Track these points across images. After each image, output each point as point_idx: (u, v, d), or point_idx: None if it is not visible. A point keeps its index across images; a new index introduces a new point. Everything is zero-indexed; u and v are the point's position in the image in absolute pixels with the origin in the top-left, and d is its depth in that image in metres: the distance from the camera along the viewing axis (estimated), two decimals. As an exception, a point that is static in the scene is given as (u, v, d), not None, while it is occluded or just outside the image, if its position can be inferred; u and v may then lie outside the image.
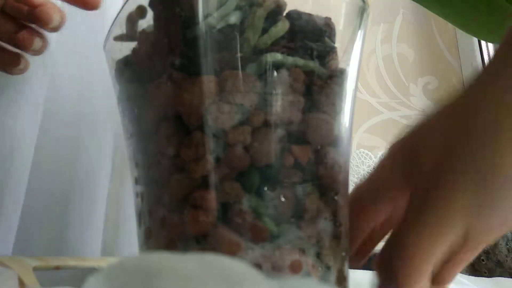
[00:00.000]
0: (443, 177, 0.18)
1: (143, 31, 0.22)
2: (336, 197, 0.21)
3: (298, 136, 0.20)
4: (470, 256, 0.21)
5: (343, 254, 0.21)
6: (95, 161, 0.41)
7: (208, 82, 0.19)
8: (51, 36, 0.38)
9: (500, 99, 0.18)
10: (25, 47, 0.32)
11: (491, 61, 0.20)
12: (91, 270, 0.13)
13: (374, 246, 0.25)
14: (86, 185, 0.40)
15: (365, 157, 0.73)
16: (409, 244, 0.18)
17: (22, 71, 0.33)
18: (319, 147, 0.21)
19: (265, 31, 0.20)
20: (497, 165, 0.17)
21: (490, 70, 0.20)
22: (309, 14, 0.21)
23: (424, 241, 0.18)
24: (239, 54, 0.20)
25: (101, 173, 0.42)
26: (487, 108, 0.18)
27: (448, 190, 0.18)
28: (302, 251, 0.19)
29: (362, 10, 0.24)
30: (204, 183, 0.19)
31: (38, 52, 0.33)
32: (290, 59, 0.20)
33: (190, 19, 0.20)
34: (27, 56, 0.33)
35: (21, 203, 0.35)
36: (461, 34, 1.04)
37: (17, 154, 0.35)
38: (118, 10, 0.24)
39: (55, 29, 0.31)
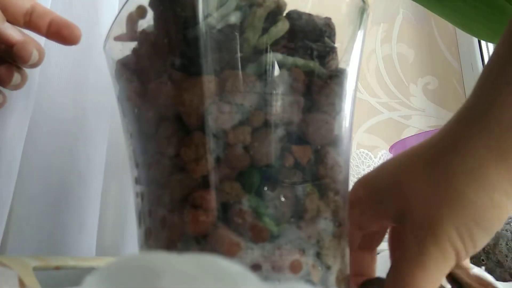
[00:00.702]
0: (435, 227, 0.20)
1: (143, 31, 0.22)
2: (336, 197, 0.21)
3: (298, 136, 0.20)
4: None
5: (343, 254, 0.21)
6: (87, 163, 0.41)
7: (208, 82, 0.19)
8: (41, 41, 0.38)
9: (487, 150, 0.20)
10: (3, 82, 0.31)
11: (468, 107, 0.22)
12: (91, 270, 0.13)
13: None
14: (78, 187, 0.40)
15: (365, 157, 0.73)
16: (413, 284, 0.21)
17: (1, 105, 0.33)
18: (319, 147, 0.21)
19: (265, 31, 0.20)
20: (481, 218, 0.20)
21: (473, 110, 0.22)
22: (309, 14, 0.21)
23: (426, 281, 0.20)
24: (239, 54, 0.20)
25: (93, 175, 0.42)
26: (471, 155, 0.20)
27: (441, 237, 0.20)
28: (302, 251, 0.19)
29: (362, 10, 0.24)
30: (204, 183, 0.19)
31: (17, 87, 0.32)
32: (290, 59, 0.20)
33: (190, 19, 0.20)
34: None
35: (8, 207, 0.35)
36: (461, 34, 1.04)
37: (4, 158, 0.35)
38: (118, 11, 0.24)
39: (34, 66, 0.31)
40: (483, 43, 0.98)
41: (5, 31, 0.29)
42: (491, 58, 0.22)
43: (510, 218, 0.45)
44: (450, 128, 0.22)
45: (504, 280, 0.30)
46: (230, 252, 0.18)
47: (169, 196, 0.20)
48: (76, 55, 0.41)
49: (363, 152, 0.73)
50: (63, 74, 0.41)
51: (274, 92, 0.20)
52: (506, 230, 0.45)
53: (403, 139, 0.77)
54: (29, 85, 0.36)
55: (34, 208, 0.38)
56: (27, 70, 0.34)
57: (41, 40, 0.34)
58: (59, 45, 0.39)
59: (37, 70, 0.37)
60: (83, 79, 0.41)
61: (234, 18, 0.20)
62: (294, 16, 0.21)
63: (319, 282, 0.20)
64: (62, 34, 0.32)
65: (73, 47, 0.39)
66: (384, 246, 0.46)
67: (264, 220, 0.19)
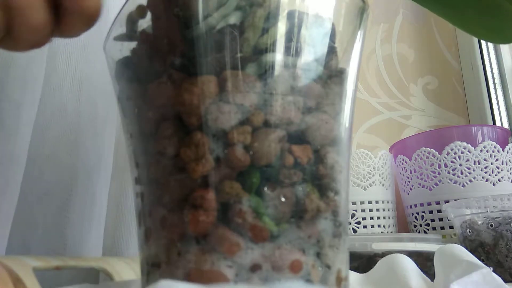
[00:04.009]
0: None
1: (143, 31, 0.22)
2: (336, 197, 0.21)
3: (298, 136, 0.20)
4: None
5: (343, 254, 0.21)
6: (96, 159, 0.41)
7: (208, 82, 0.19)
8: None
9: None
10: None
11: None
12: (91, 270, 0.13)
13: None
14: (87, 183, 0.40)
15: (365, 157, 0.73)
16: None
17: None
18: (319, 147, 0.21)
19: (265, 31, 0.20)
20: None
21: None
22: (309, 14, 0.21)
23: None
24: (239, 54, 0.20)
25: (102, 170, 0.42)
26: None
27: None
28: (302, 251, 0.19)
29: (362, 10, 0.24)
30: (204, 183, 0.19)
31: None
32: (290, 59, 0.20)
33: (190, 19, 0.20)
34: None
35: (15, 202, 0.35)
36: (461, 34, 1.04)
37: (14, 153, 0.35)
38: (118, 10, 0.24)
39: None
40: (483, 43, 0.98)
41: None
42: None
43: (510, 218, 0.45)
44: None
45: (504, 280, 0.30)
46: (230, 252, 0.18)
47: (169, 196, 0.20)
48: (85, 44, 0.41)
49: (363, 152, 0.73)
50: (69, 67, 0.41)
51: (274, 92, 0.20)
52: (506, 230, 0.45)
53: (403, 139, 0.77)
54: (35, 77, 0.36)
55: (41, 206, 0.38)
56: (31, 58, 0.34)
57: None
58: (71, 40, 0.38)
59: (43, 62, 0.37)
60: (91, 71, 0.41)
61: (234, 18, 0.20)
62: (294, 16, 0.21)
63: (319, 282, 0.20)
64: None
65: (81, 37, 0.39)
66: (384, 246, 0.46)
67: (264, 220, 0.19)
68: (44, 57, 0.38)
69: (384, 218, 0.72)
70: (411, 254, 0.40)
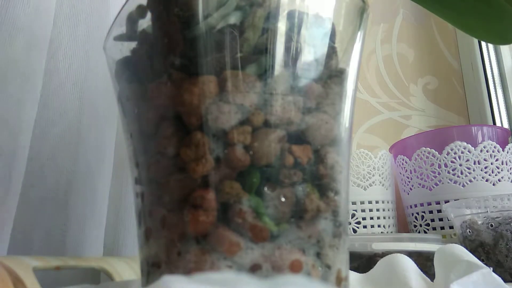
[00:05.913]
0: None
1: (143, 31, 0.22)
2: (336, 197, 0.21)
3: (298, 136, 0.20)
4: None
5: (343, 254, 0.21)
6: (97, 160, 0.41)
7: (208, 82, 0.19)
8: (53, 34, 0.38)
9: None
10: None
11: None
12: (91, 270, 0.13)
13: None
14: (88, 183, 0.40)
15: (365, 157, 0.73)
16: None
17: None
18: (319, 147, 0.21)
19: (265, 31, 0.20)
20: None
21: None
22: (309, 14, 0.21)
23: None
24: (239, 54, 0.20)
25: (103, 170, 0.42)
26: None
27: None
28: (302, 251, 0.19)
29: (362, 10, 0.24)
30: (204, 183, 0.19)
31: None
32: (290, 59, 0.20)
33: (190, 19, 0.20)
34: None
35: (17, 201, 0.35)
36: (461, 34, 1.04)
37: (16, 150, 0.35)
38: (119, 10, 0.24)
39: None
40: (483, 43, 0.98)
41: None
42: None
43: (510, 218, 0.45)
44: None
45: (504, 280, 0.30)
46: (230, 252, 0.18)
47: (169, 196, 0.20)
48: (86, 46, 0.41)
49: (363, 152, 0.73)
50: (71, 67, 0.41)
51: (274, 92, 0.20)
52: (506, 230, 0.45)
53: (403, 139, 0.77)
54: (36, 74, 0.36)
55: (41, 206, 0.38)
56: (32, 55, 0.34)
57: (49, 25, 0.33)
58: (69, 35, 0.39)
59: (43, 59, 0.37)
60: (92, 71, 0.41)
61: (234, 18, 0.20)
62: (294, 16, 0.21)
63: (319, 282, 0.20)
64: None
65: (83, 37, 0.39)
66: (384, 246, 0.46)
67: (264, 220, 0.19)
68: (44, 54, 0.38)
69: (384, 218, 0.72)
70: (411, 254, 0.40)
